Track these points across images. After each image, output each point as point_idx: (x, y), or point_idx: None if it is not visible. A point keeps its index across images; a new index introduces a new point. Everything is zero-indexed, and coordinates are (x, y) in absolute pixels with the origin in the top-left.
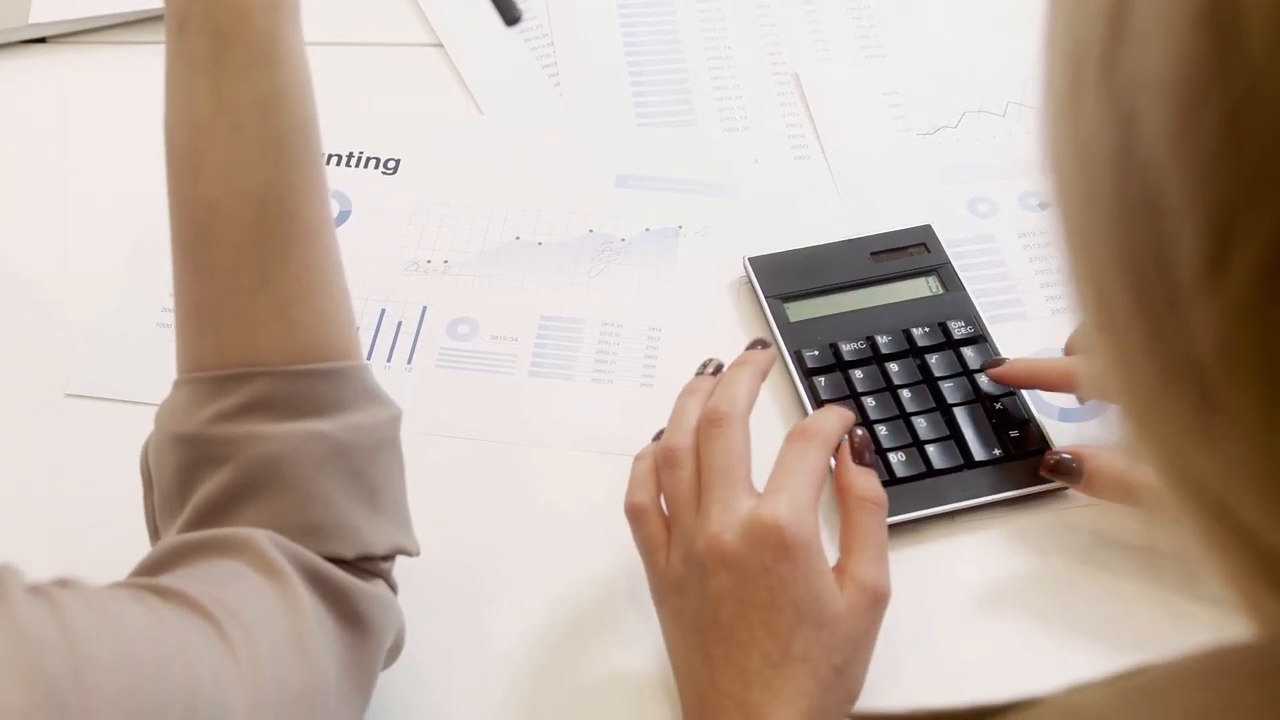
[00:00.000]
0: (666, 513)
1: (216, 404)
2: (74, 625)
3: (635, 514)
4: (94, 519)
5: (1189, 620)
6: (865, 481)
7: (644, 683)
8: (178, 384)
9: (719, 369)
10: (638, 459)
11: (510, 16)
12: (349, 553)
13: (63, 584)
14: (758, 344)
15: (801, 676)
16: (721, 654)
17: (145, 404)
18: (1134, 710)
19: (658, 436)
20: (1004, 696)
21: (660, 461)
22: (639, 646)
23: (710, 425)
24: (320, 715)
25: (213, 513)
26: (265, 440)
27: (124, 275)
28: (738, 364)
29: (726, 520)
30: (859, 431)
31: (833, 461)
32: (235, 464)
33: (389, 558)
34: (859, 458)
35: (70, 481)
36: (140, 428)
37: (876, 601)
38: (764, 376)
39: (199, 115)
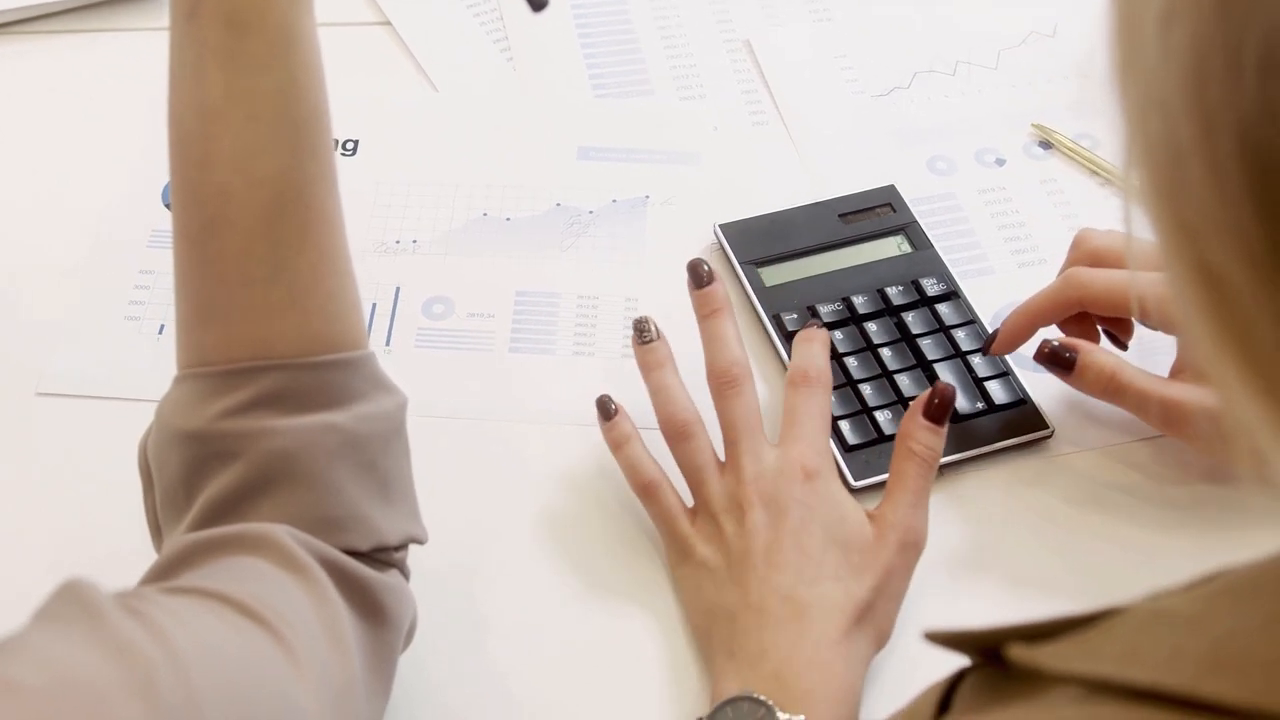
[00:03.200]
0: (687, 483)
1: (225, 399)
2: (173, 643)
3: (650, 490)
4: (74, 517)
5: (1170, 560)
6: (923, 435)
7: (649, 649)
8: (180, 379)
9: (658, 330)
10: (619, 446)
11: (538, 2)
12: (364, 544)
13: (139, 596)
14: (701, 274)
15: (835, 595)
16: (757, 577)
17: (119, 399)
18: (1229, 608)
19: (607, 415)
20: None
21: (673, 436)
22: (641, 613)
23: (727, 387)
24: (354, 710)
25: (224, 510)
26: (278, 434)
27: (85, 269)
28: (710, 314)
29: (759, 468)
30: (950, 390)
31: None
32: (247, 460)
33: (402, 547)
34: (931, 414)
35: (48, 481)
36: (115, 422)
37: (906, 543)
38: (733, 310)
39: (211, 103)
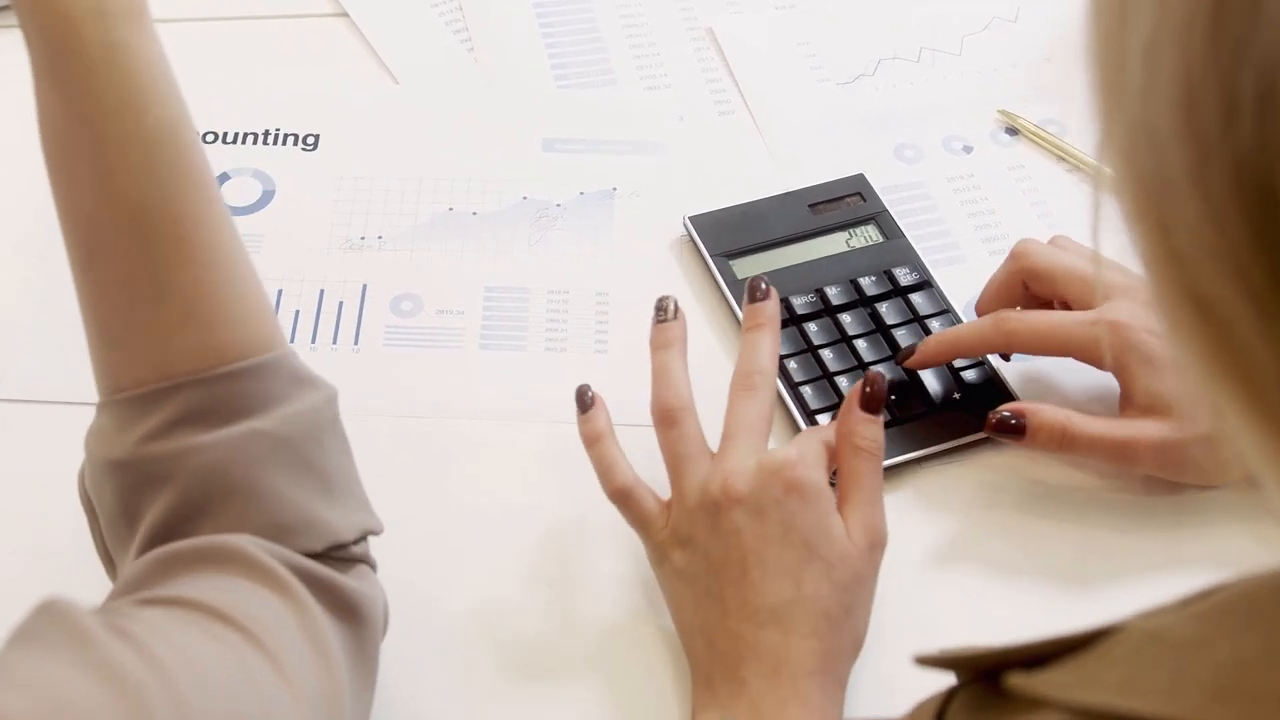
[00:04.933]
0: (667, 472)
1: (143, 424)
2: (163, 663)
3: (623, 496)
4: (37, 526)
5: (1147, 549)
6: (863, 429)
7: (626, 648)
8: (100, 407)
9: (678, 308)
10: (592, 443)
11: None
12: (318, 545)
13: (119, 614)
14: (758, 287)
15: (814, 615)
16: (735, 595)
17: (81, 403)
18: (1228, 631)
19: (583, 407)
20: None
21: (659, 420)
22: (618, 610)
23: (744, 389)
24: (342, 715)
25: (167, 535)
26: (203, 450)
27: (41, 271)
28: (755, 327)
29: (742, 463)
30: (881, 376)
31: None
32: (178, 481)
33: (359, 541)
34: (868, 405)
35: (9, 489)
36: (78, 428)
37: (873, 545)
38: (779, 329)
39: (59, 128)
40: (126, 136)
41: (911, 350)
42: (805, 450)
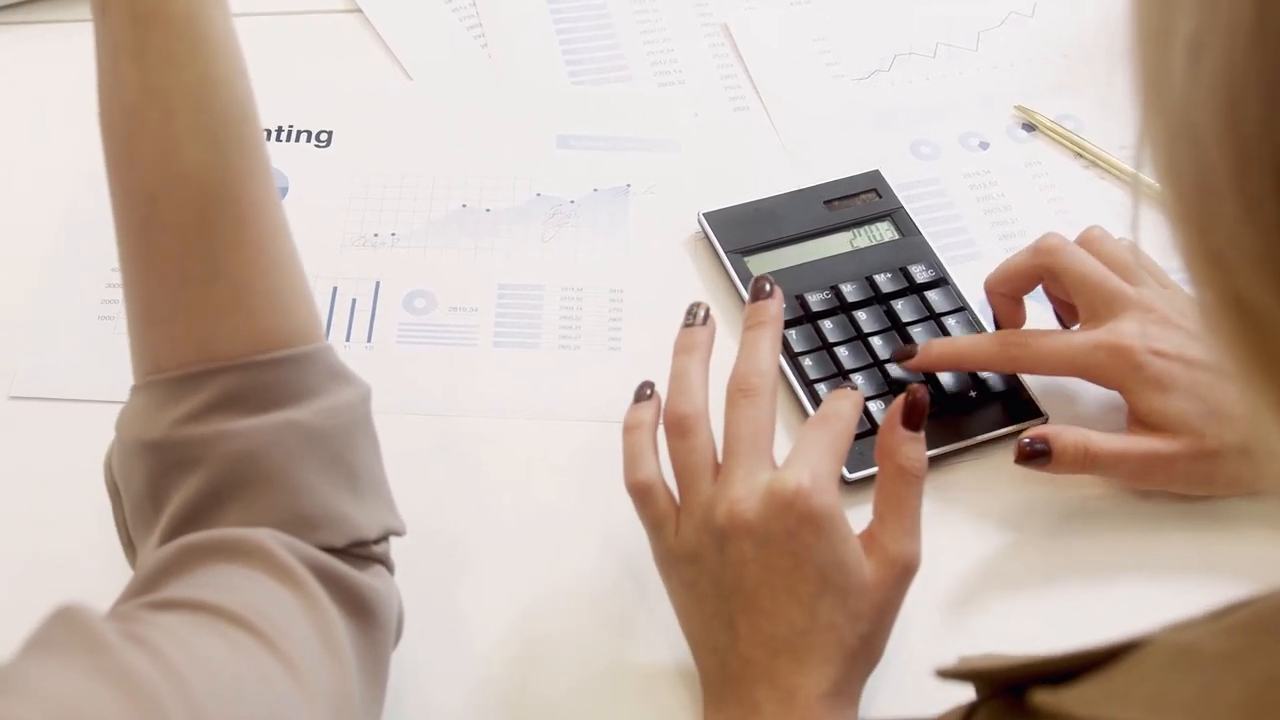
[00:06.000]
0: (675, 482)
1: (180, 406)
2: (178, 670)
3: (641, 492)
4: (50, 524)
5: (1166, 550)
6: (909, 449)
7: (640, 648)
8: (136, 389)
9: (708, 314)
10: (630, 429)
11: None
12: (340, 541)
13: (134, 619)
14: (761, 290)
15: (829, 645)
16: (746, 622)
17: (95, 401)
18: (1258, 646)
19: (638, 398)
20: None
21: (670, 429)
22: (632, 611)
23: (740, 395)
24: (352, 716)
25: (192, 519)
26: (238, 436)
27: (56, 268)
28: (755, 325)
29: (748, 487)
30: (925, 389)
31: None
32: (209, 465)
33: (381, 540)
34: (910, 421)
35: (23, 487)
36: (93, 426)
37: (905, 574)
38: (781, 330)
39: (129, 102)
40: (199, 113)
41: (911, 352)
42: (817, 470)
